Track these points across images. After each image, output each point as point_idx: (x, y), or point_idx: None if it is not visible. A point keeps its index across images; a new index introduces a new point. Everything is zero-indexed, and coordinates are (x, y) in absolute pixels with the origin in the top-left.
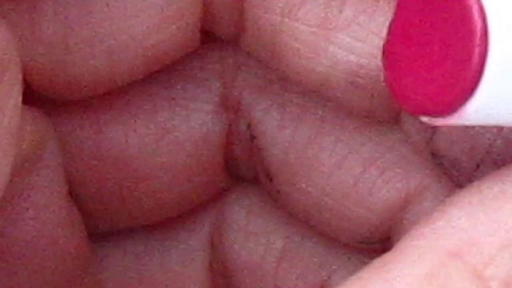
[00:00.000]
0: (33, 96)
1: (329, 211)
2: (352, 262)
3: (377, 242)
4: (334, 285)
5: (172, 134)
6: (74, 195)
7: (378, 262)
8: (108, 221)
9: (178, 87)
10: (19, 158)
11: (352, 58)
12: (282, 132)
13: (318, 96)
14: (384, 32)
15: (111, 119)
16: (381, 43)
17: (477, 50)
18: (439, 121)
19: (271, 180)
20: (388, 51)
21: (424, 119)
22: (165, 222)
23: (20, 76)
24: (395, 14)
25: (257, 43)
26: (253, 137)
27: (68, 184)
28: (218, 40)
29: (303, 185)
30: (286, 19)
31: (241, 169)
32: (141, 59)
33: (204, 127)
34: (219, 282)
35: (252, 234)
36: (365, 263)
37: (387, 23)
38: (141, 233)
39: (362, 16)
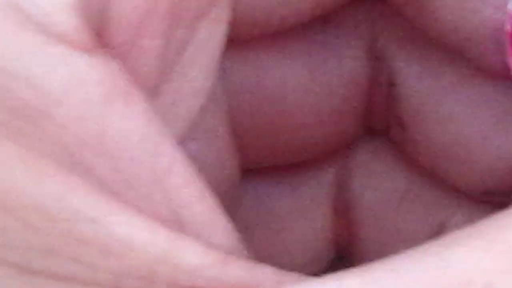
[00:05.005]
0: None
1: (458, 161)
2: (470, 207)
3: (499, 195)
4: (452, 227)
5: (325, 77)
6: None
7: None
8: (256, 158)
9: (331, 33)
10: None
11: (499, 16)
12: (421, 83)
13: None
14: None
15: (270, 58)
16: None
17: None
18: None
19: (403, 129)
20: None
21: None
22: (295, 164)
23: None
24: None
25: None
26: (392, 85)
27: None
28: None
29: (436, 135)
30: None
31: (374, 119)
32: (308, 4)
33: (354, 72)
34: (341, 219)
35: (377, 174)
36: (482, 210)
37: None
38: (272, 175)
39: None
